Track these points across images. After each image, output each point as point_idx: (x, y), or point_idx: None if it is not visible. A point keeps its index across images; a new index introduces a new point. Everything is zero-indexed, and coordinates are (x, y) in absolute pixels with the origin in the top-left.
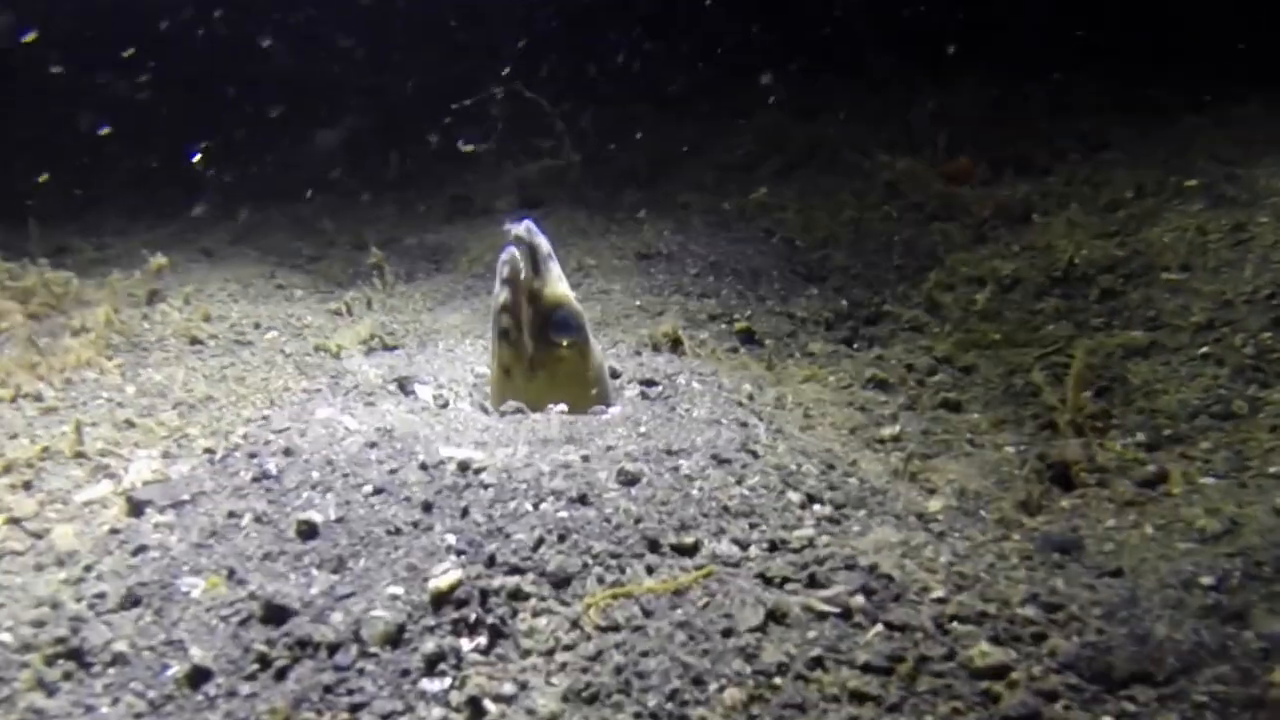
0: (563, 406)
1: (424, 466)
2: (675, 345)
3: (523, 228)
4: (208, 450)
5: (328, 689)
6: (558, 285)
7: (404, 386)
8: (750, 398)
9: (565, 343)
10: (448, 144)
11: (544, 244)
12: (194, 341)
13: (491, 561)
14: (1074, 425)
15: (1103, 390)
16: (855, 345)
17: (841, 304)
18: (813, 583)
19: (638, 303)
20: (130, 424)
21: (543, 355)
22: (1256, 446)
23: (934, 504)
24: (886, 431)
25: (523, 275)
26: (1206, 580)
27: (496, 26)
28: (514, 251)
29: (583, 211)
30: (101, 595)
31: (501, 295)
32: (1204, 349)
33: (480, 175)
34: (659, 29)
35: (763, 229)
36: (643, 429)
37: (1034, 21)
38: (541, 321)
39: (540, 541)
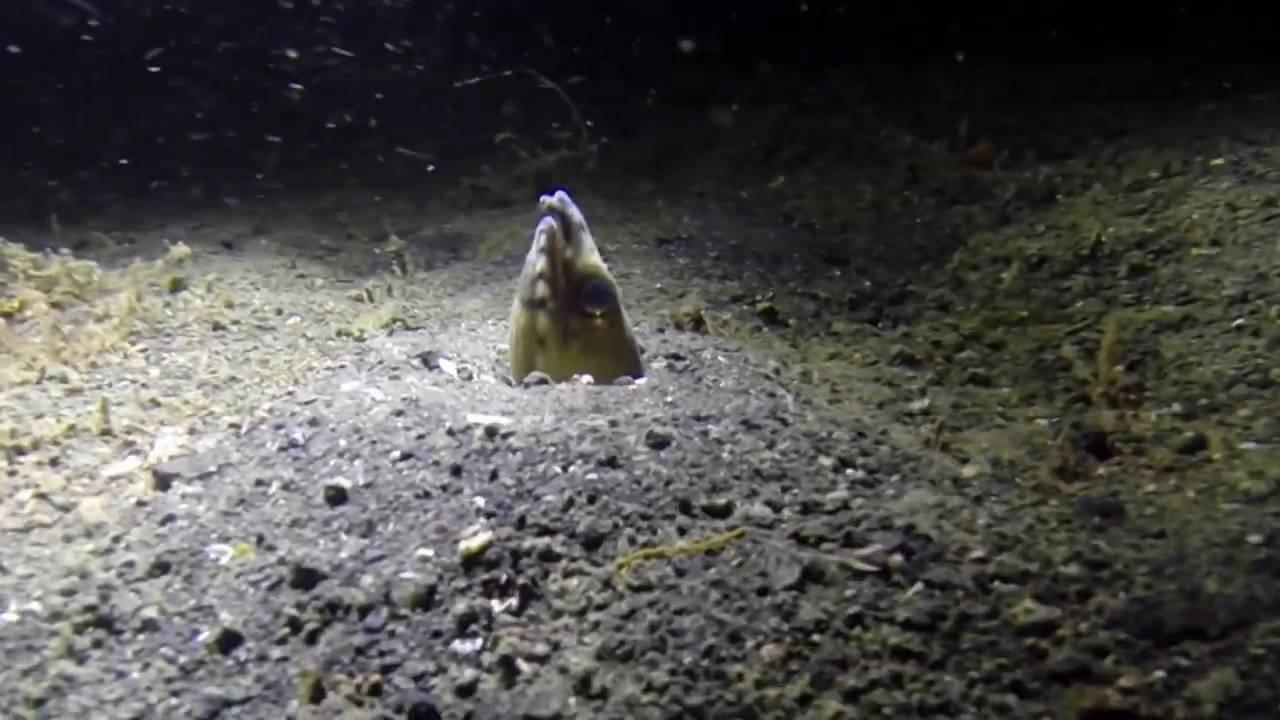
0: (589, 377)
1: (451, 432)
2: (698, 324)
3: (555, 198)
4: (233, 425)
5: (359, 651)
6: (591, 255)
7: (428, 362)
8: (776, 372)
9: (599, 312)
10: (463, 136)
11: (577, 214)
12: (217, 327)
13: (522, 523)
14: (1107, 397)
15: (1135, 364)
16: (880, 324)
17: (865, 284)
18: (849, 542)
19: (659, 285)
20: (155, 403)
21: (577, 324)
22: None
23: (968, 470)
24: (916, 405)
25: (557, 244)
26: (1255, 538)
27: (513, 21)
28: (551, 221)
29: (600, 201)
30: (130, 564)
31: (539, 264)
32: (1238, 321)
33: (497, 167)
34: (671, 22)
35: (781, 214)
36: (670, 398)
37: (1047, 11)
38: (575, 291)
39: (570, 503)
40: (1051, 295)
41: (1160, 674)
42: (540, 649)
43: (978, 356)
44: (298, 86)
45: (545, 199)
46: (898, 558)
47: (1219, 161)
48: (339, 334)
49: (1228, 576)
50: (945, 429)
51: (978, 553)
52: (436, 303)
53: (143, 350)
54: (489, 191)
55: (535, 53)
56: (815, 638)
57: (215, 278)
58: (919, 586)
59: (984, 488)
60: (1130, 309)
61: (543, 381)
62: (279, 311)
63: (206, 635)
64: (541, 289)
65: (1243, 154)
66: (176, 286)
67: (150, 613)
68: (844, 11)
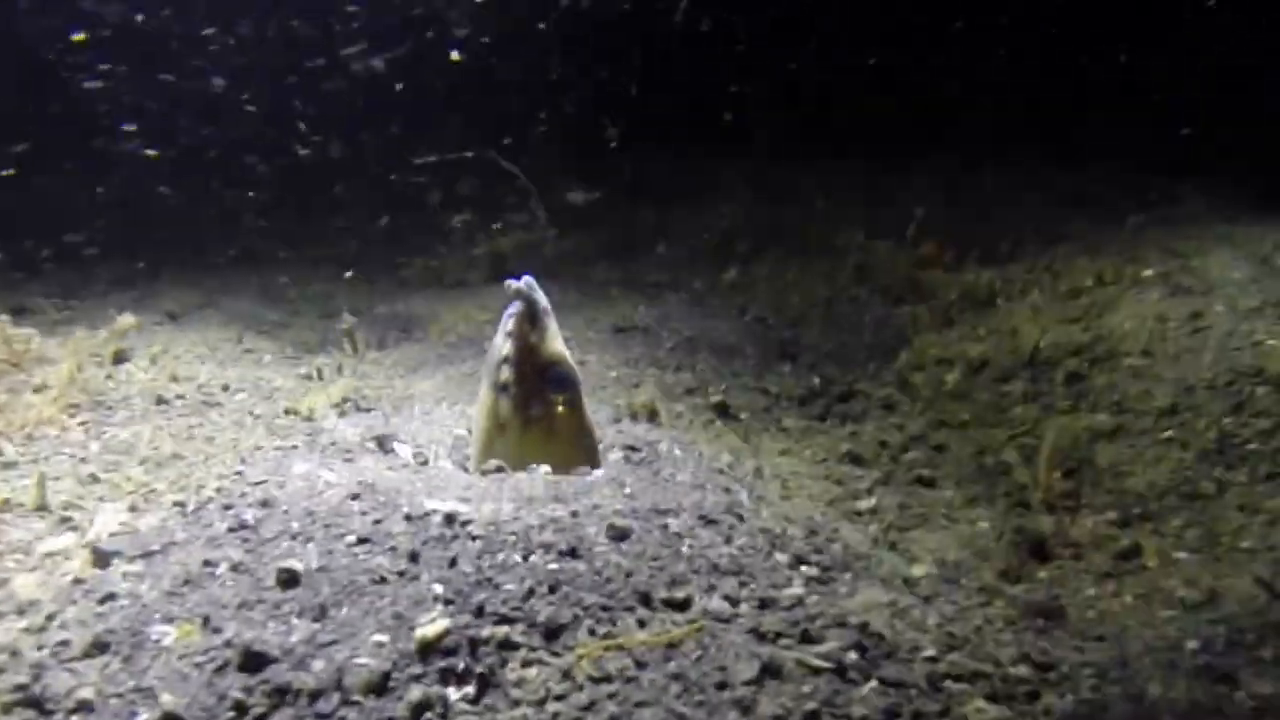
0: (547, 466)
1: (409, 518)
2: (652, 416)
3: (523, 282)
4: (177, 504)
5: None
6: (555, 342)
7: (383, 444)
8: (730, 466)
9: (561, 399)
10: (419, 216)
11: (543, 299)
12: (160, 401)
13: (480, 611)
14: (1046, 503)
15: (1071, 471)
16: (828, 421)
17: (814, 381)
18: (806, 638)
19: (614, 374)
20: (95, 479)
21: (539, 411)
22: (1226, 524)
23: (917, 570)
24: (864, 504)
25: (523, 328)
26: (1192, 644)
27: (477, 105)
28: (520, 306)
29: (556, 286)
30: (65, 643)
31: (505, 348)
32: (1168, 432)
33: (453, 248)
34: (629, 111)
35: (736, 306)
36: (628, 490)
37: (992, 116)
38: (539, 376)
39: (531, 592)
40: (993, 399)
41: None
42: None
43: (923, 457)
44: (252, 159)
45: (512, 283)
46: (853, 655)
47: (1149, 273)
48: (287, 412)
49: (1171, 681)
50: (893, 529)
51: (929, 651)
52: (389, 383)
53: (82, 423)
54: (444, 272)
55: (496, 134)
56: None
57: (160, 350)
58: (873, 684)
59: (933, 588)
60: (1067, 416)
61: (500, 469)
62: (225, 387)
63: (145, 718)
64: (506, 373)
65: (1171, 266)
66: (120, 358)
67: (86, 693)
68: (801, 107)
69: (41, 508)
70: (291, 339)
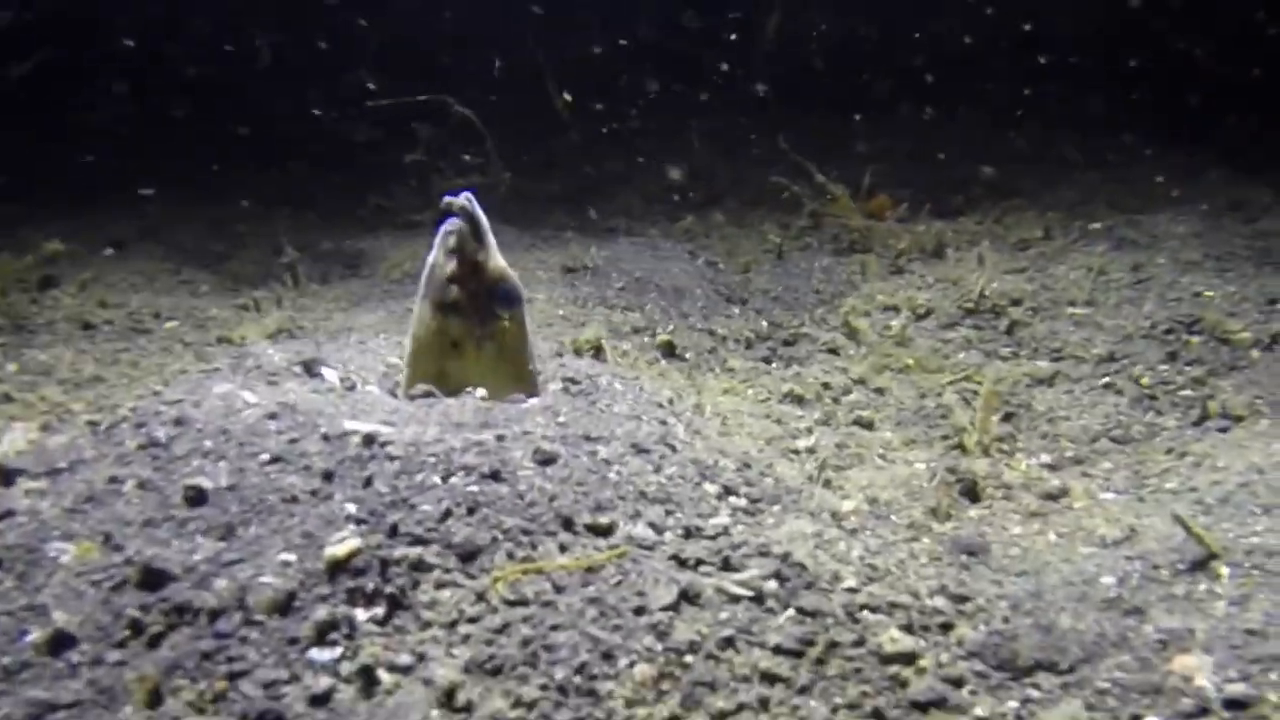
0: (483, 391)
1: (326, 438)
2: (598, 353)
3: (462, 198)
4: (91, 423)
5: (205, 656)
6: (498, 258)
7: (310, 369)
8: (670, 402)
9: (507, 315)
10: (373, 156)
11: (482, 215)
12: (87, 326)
13: (394, 531)
14: (981, 446)
15: (1009, 415)
16: (773, 364)
17: (762, 325)
18: (727, 566)
19: (561, 312)
20: (7, 398)
21: (489, 327)
22: (1153, 466)
23: (847, 505)
24: (802, 444)
25: (468, 246)
26: (1108, 579)
27: (441, 48)
28: (459, 222)
29: (510, 229)
30: None
31: (449, 266)
32: (1105, 379)
33: (406, 188)
34: (594, 62)
35: (688, 251)
36: (561, 418)
37: (955, 73)
38: (486, 294)
39: (448, 514)
40: (936, 345)
41: (1013, 704)
42: (404, 659)
43: (864, 400)
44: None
45: (450, 199)
46: (772, 584)
47: (1096, 226)
48: (219, 340)
49: (1080, 613)
50: (828, 466)
51: (849, 583)
52: (328, 316)
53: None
54: (395, 212)
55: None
56: (687, 658)
57: (91, 276)
58: (791, 612)
59: (860, 522)
60: (1008, 363)
61: (429, 394)
62: (157, 315)
63: (36, 636)
64: (455, 292)
65: (1117, 220)
66: (47, 283)
67: None
68: (767, 56)
69: None
70: (233, 272)
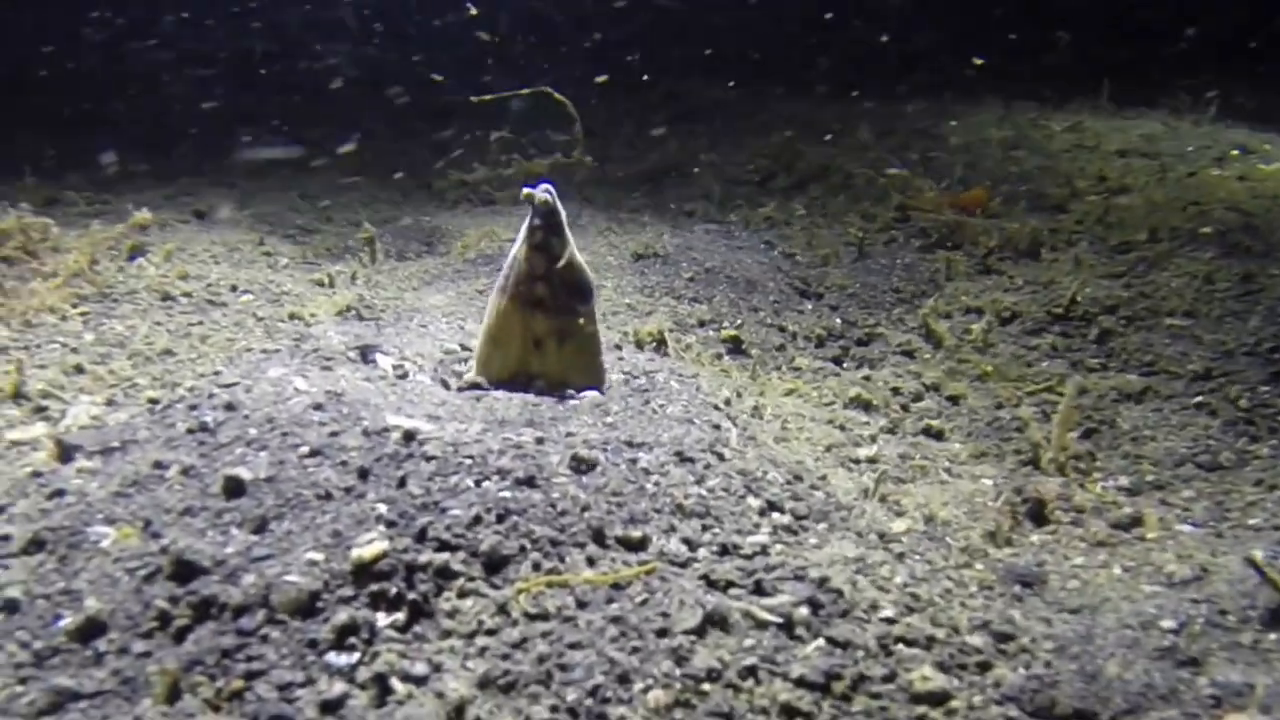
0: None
1: (367, 433)
2: (660, 345)
3: (542, 190)
4: (152, 400)
5: (226, 653)
6: (576, 253)
7: (365, 355)
8: (728, 403)
9: (586, 310)
10: (460, 131)
11: (561, 209)
12: (166, 298)
13: (422, 536)
14: (1056, 464)
15: (1090, 432)
16: (844, 364)
17: (835, 322)
18: (758, 590)
19: (628, 301)
20: (79, 369)
21: (570, 324)
22: (1239, 498)
23: (899, 525)
24: (863, 452)
25: (554, 243)
26: (1167, 623)
27: (527, 31)
28: (546, 219)
29: (586, 211)
30: (5, 538)
31: (536, 264)
32: (1198, 398)
33: (489, 166)
34: (681, 43)
35: (764, 241)
36: (610, 419)
37: (1060, 62)
38: (566, 291)
39: (477, 520)
40: (1018, 352)
41: None
42: (419, 669)
43: (935, 407)
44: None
45: (531, 191)
46: (804, 610)
47: (1207, 230)
48: (291, 316)
49: (1130, 660)
50: (886, 479)
51: (887, 612)
52: (399, 295)
53: (82, 313)
54: (476, 189)
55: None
56: (705, 686)
57: (176, 247)
58: (820, 642)
59: (910, 545)
60: (1094, 374)
61: (476, 386)
62: (234, 288)
63: (68, 621)
64: (541, 289)
65: (1232, 224)
66: (136, 253)
67: (13, 592)
68: (861, 42)
69: (18, 395)
70: (314, 245)
